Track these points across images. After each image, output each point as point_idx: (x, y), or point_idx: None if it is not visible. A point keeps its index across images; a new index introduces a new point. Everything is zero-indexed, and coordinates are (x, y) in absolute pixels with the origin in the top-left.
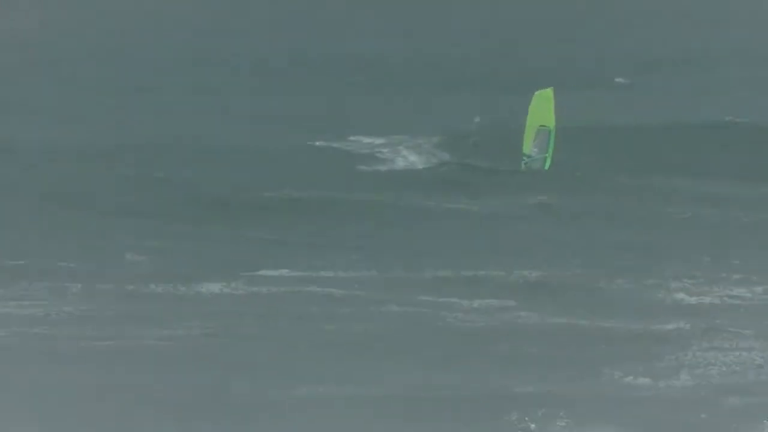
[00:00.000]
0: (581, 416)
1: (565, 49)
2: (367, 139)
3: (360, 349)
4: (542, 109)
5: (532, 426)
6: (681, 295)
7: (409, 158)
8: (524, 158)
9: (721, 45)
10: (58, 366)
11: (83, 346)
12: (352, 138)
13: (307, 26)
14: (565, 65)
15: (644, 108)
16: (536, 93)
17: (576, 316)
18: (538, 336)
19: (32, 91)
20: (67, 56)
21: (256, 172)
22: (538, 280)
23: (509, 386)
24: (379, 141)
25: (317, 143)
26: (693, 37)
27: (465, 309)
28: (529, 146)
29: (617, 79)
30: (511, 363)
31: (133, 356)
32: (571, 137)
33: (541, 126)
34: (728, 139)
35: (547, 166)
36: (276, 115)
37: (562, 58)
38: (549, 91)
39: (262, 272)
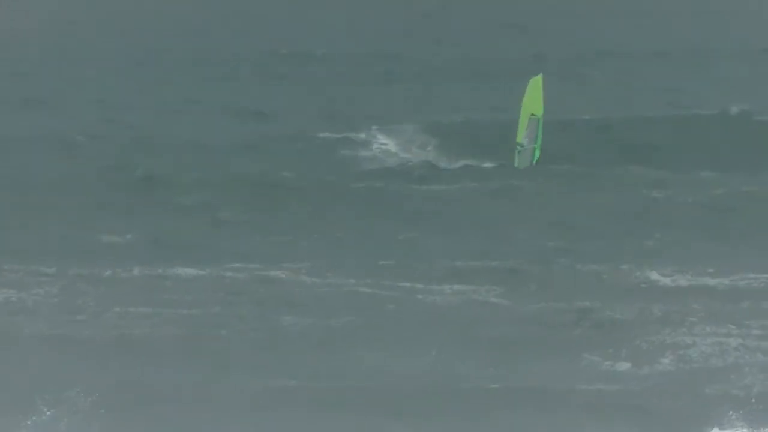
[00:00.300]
0: (560, 403)
1: (525, 42)
2: (347, 128)
3: (335, 338)
4: (533, 97)
5: None
6: (656, 278)
7: (386, 145)
8: (518, 147)
9: (676, 40)
10: (33, 351)
11: (58, 333)
12: (331, 127)
13: (292, 22)
14: (527, 58)
15: (609, 99)
16: (531, 80)
17: (553, 300)
18: (515, 321)
19: (30, 86)
20: (68, 54)
21: (232, 161)
22: (514, 266)
23: (484, 374)
24: (358, 129)
25: (297, 133)
26: (653, 30)
27: (443, 295)
28: (522, 135)
29: (581, 70)
30: (487, 348)
31: (113, 345)
32: (547, 129)
33: (532, 115)
34: (697, 129)
35: (536, 159)
36: (249, 108)
37: (522, 51)
38: (539, 79)
39: (237, 257)
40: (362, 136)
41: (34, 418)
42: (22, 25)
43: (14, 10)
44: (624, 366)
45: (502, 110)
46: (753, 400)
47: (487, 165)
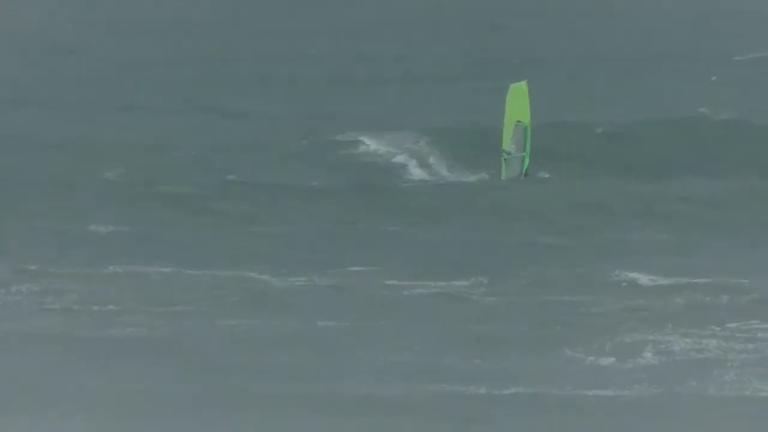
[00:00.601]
0: (546, 403)
1: (510, 45)
2: (334, 129)
3: (321, 339)
4: (517, 103)
5: None
6: (636, 276)
7: (374, 146)
8: (503, 155)
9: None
10: (16, 353)
11: (41, 333)
12: (318, 127)
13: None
14: (514, 60)
15: (594, 101)
16: (511, 86)
17: (537, 296)
18: (499, 318)
19: (16, 86)
20: (61, 53)
21: (221, 161)
22: (498, 262)
23: (468, 373)
24: (346, 130)
25: (284, 134)
26: (636, 35)
27: (427, 290)
28: (507, 142)
29: (564, 73)
30: (471, 345)
31: (100, 345)
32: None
33: (517, 122)
34: (682, 132)
35: (525, 167)
36: (238, 109)
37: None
38: (523, 85)
39: (225, 257)
40: (349, 137)
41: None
42: (22, 25)
43: (15, 10)
44: (608, 361)
45: (492, 113)
46: (733, 397)
47: (476, 166)
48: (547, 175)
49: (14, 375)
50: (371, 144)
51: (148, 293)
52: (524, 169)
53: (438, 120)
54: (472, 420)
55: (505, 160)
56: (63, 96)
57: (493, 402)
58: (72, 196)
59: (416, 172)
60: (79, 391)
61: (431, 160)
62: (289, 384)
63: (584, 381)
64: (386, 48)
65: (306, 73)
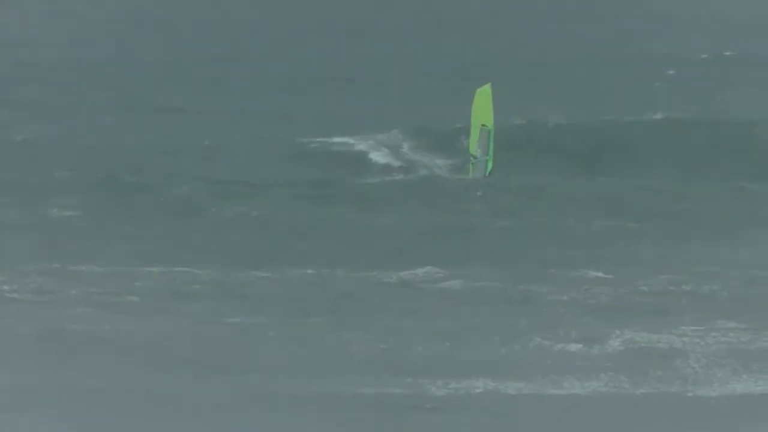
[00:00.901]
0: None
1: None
2: (305, 129)
3: (291, 335)
4: (482, 107)
5: None
6: (599, 268)
7: (333, 141)
8: (471, 159)
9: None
10: None
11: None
12: (288, 128)
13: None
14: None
15: (557, 104)
16: (477, 90)
17: (501, 283)
18: (465, 307)
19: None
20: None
21: (197, 163)
22: (462, 252)
23: (427, 358)
24: (316, 130)
25: (252, 134)
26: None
27: (393, 280)
28: (474, 146)
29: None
30: (440, 336)
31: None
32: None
33: (482, 125)
34: (639, 133)
35: (488, 170)
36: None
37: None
38: (487, 88)
39: (192, 256)
40: (314, 135)
41: None
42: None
43: (12, 10)
44: (575, 347)
45: (462, 115)
46: (697, 385)
47: (441, 162)
48: (508, 170)
49: None
50: (332, 139)
51: (105, 287)
52: (487, 172)
53: (404, 119)
54: (439, 410)
55: (472, 163)
56: (15, 94)
57: (462, 391)
58: (28, 190)
59: (378, 167)
60: (30, 385)
61: (394, 154)
62: (256, 380)
63: (552, 368)
64: (357, 48)
65: (267, 76)
